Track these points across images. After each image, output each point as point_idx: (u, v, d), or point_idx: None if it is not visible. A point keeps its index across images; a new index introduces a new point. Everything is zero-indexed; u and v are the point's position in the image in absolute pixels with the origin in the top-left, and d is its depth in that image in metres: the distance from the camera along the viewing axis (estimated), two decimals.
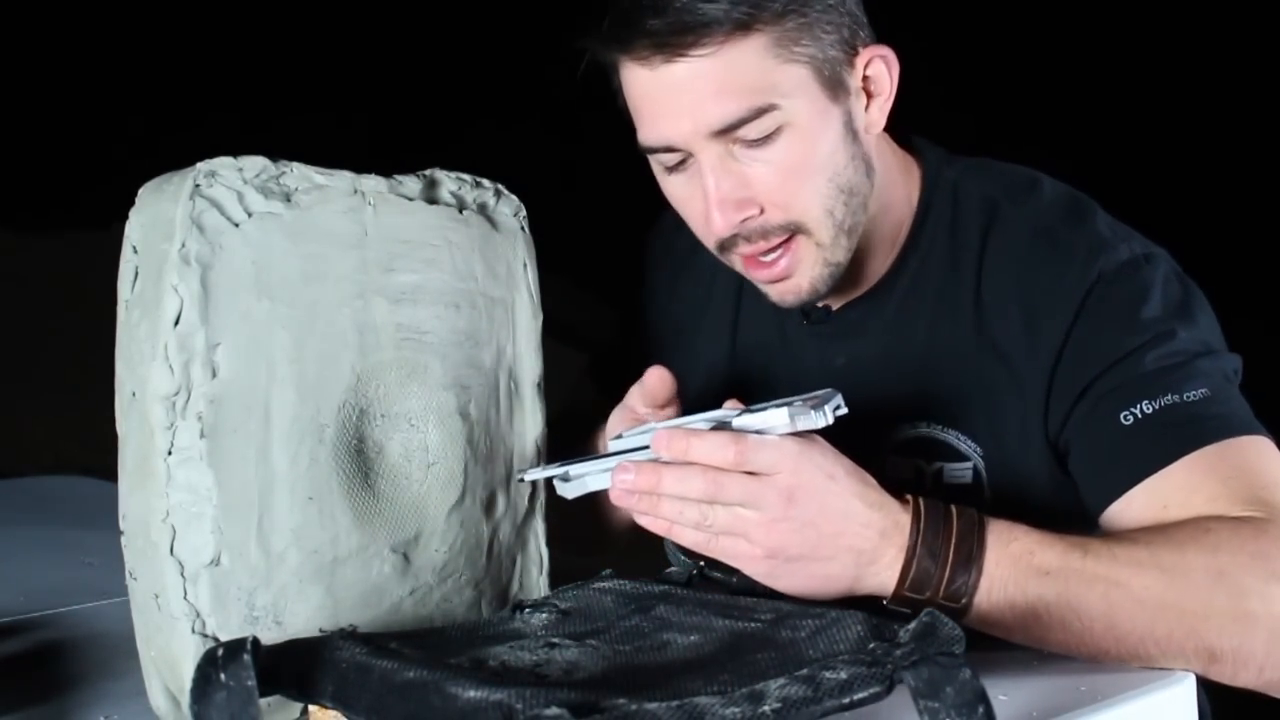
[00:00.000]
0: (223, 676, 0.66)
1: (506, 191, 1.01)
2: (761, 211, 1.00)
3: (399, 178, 0.94)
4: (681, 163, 1.02)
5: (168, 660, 0.81)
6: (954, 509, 0.86)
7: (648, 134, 1.01)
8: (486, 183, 1.00)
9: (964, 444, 1.08)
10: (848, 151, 1.02)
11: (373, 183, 0.91)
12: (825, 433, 1.12)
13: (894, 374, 1.11)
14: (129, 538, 0.83)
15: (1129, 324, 1.01)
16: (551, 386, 1.03)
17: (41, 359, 4.96)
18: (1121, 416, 0.98)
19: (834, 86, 1.00)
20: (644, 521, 0.89)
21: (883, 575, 0.85)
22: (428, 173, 0.97)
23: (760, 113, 0.97)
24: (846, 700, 0.65)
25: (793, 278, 1.04)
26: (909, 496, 0.87)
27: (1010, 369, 1.05)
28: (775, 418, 0.83)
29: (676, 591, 0.88)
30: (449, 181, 0.97)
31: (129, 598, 0.85)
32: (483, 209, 0.99)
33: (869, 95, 1.04)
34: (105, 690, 0.91)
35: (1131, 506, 0.97)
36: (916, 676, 0.66)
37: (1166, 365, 0.99)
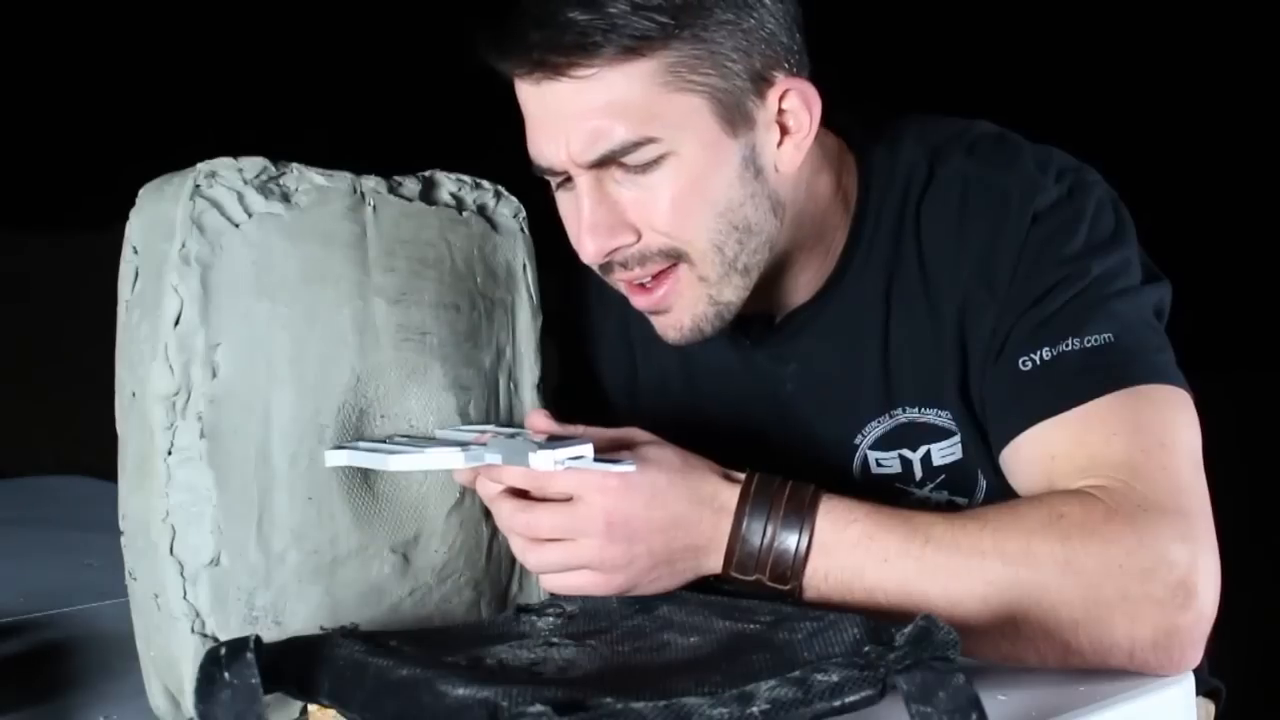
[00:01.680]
0: (226, 675, 0.66)
1: (506, 193, 1.01)
2: (639, 238, 0.95)
3: (398, 178, 0.94)
4: (566, 180, 0.96)
5: (168, 660, 0.82)
6: (787, 490, 0.86)
7: (531, 152, 0.96)
8: (486, 184, 1.00)
9: (944, 419, 1.05)
10: (746, 189, 0.96)
11: (372, 183, 0.91)
12: (787, 442, 1.10)
13: (852, 368, 1.07)
14: (129, 538, 0.84)
15: (1048, 263, 0.97)
16: (551, 387, 1.03)
17: (41, 359, 4.96)
18: (1020, 362, 0.96)
19: (734, 119, 0.94)
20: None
21: (715, 556, 0.87)
22: (427, 174, 0.97)
23: (638, 144, 0.91)
24: (837, 703, 0.65)
25: (672, 312, 0.99)
26: (743, 476, 0.88)
27: (970, 330, 1.01)
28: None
29: (680, 591, 0.88)
30: (448, 182, 0.98)
31: (129, 598, 0.85)
32: (482, 210, 0.99)
33: (784, 131, 0.97)
34: (105, 690, 0.91)
35: (1020, 454, 0.95)
36: (909, 680, 0.65)
37: (1075, 308, 0.95)
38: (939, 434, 1.06)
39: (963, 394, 1.03)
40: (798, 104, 0.97)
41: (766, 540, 0.85)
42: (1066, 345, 0.94)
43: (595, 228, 0.94)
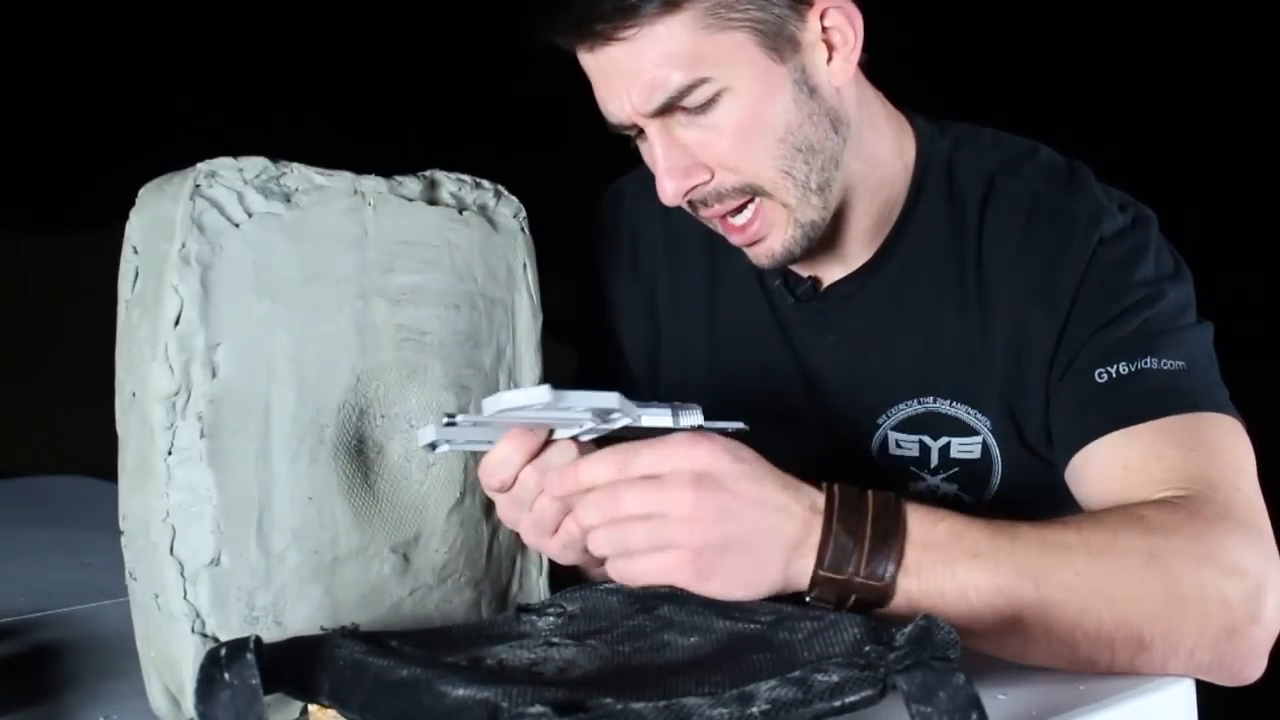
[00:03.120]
0: (227, 675, 0.66)
1: (506, 192, 1.01)
2: (711, 175, 1.01)
3: (399, 178, 0.94)
4: (641, 133, 1.03)
5: (168, 660, 0.82)
6: (870, 494, 0.84)
7: (603, 112, 1.03)
8: (486, 184, 1.00)
9: (973, 417, 1.08)
10: (803, 109, 1.00)
11: (373, 183, 0.91)
12: (811, 411, 1.13)
13: (891, 350, 1.11)
14: (129, 538, 0.84)
15: (1122, 285, 1.01)
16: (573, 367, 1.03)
17: (41, 359, 4.96)
18: (1096, 374, 0.98)
19: (780, 46, 0.98)
20: (554, 553, 0.89)
21: (808, 557, 0.81)
22: (428, 173, 0.97)
23: (692, 87, 0.96)
24: (838, 703, 0.64)
25: (765, 240, 1.04)
26: (824, 484, 0.84)
27: (1027, 344, 1.04)
28: (659, 417, 0.82)
29: (681, 591, 0.88)
30: (449, 182, 0.98)
31: (129, 598, 0.85)
32: (483, 210, 0.99)
33: (830, 47, 1.01)
34: (105, 690, 0.91)
35: (1090, 461, 0.97)
36: (909, 680, 0.65)
37: (1151, 329, 0.99)
38: (963, 429, 1.09)
39: (1004, 401, 1.06)
40: (840, 19, 1.01)
41: (860, 534, 0.81)
42: (1145, 363, 0.97)
43: (671, 171, 1.01)
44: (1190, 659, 0.84)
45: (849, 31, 1.01)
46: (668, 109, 0.98)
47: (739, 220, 1.04)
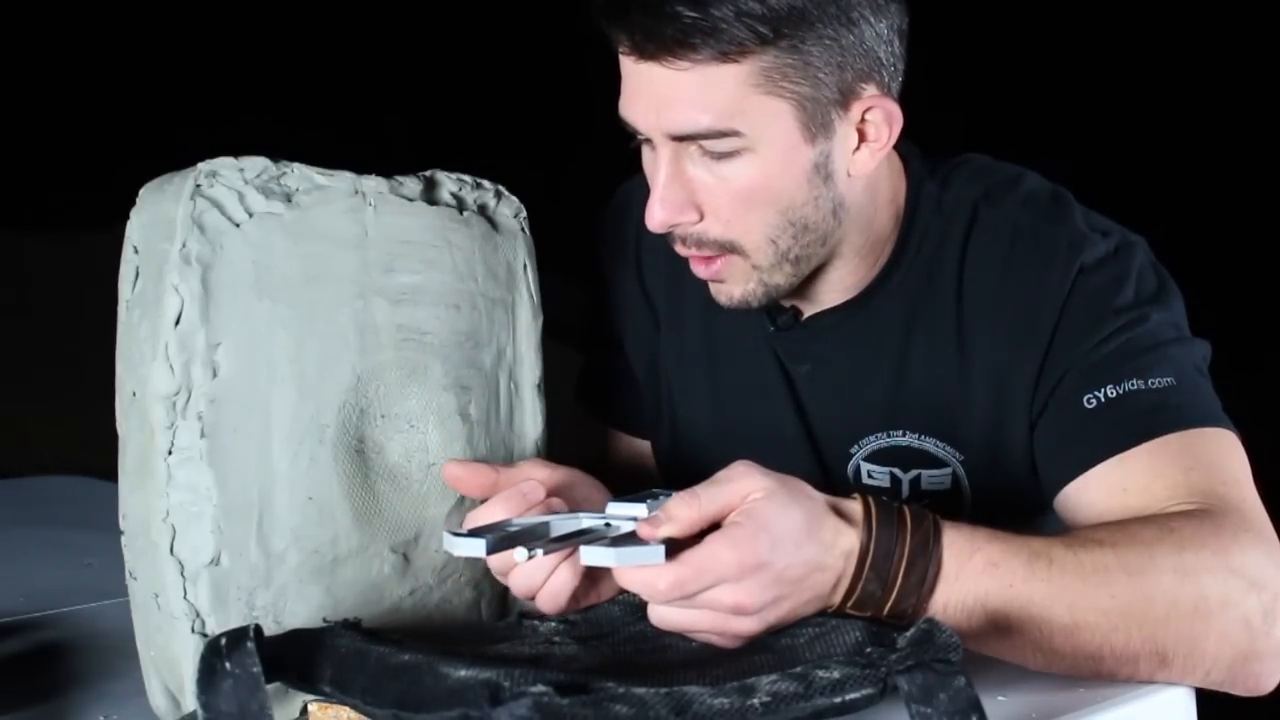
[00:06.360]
0: (228, 665, 0.66)
1: (507, 193, 1.01)
2: (700, 219, 0.99)
3: (399, 178, 0.94)
4: (648, 141, 1.00)
5: (167, 660, 0.82)
6: (909, 523, 0.82)
7: (622, 109, 1.00)
8: (487, 184, 1.00)
9: (943, 450, 1.08)
10: (811, 192, 0.99)
11: (373, 183, 0.91)
12: (797, 433, 1.12)
13: (862, 384, 1.11)
14: (129, 538, 0.84)
15: (1104, 311, 1.00)
16: (552, 387, 1.03)
17: (42, 359, 4.96)
18: (1084, 399, 0.98)
19: (813, 128, 0.97)
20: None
21: (837, 597, 0.82)
22: (428, 173, 0.97)
23: (722, 134, 0.94)
24: (838, 700, 0.65)
25: (725, 284, 1.03)
26: (861, 508, 0.82)
27: (996, 372, 1.04)
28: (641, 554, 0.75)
29: None
30: (449, 182, 0.98)
31: (129, 598, 0.85)
32: (483, 210, 0.99)
33: (862, 138, 1.00)
34: (105, 690, 0.91)
35: (1088, 488, 0.96)
36: (910, 681, 0.65)
37: (1134, 350, 0.98)
38: (933, 462, 1.09)
39: (984, 434, 1.06)
40: (880, 118, 1.00)
41: (890, 580, 0.81)
42: (1132, 385, 0.96)
43: (665, 201, 0.98)
44: (1207, 676, 0.85)
45: (884, 132, 1.00)
46: (689, 139, 0.96)
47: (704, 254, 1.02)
